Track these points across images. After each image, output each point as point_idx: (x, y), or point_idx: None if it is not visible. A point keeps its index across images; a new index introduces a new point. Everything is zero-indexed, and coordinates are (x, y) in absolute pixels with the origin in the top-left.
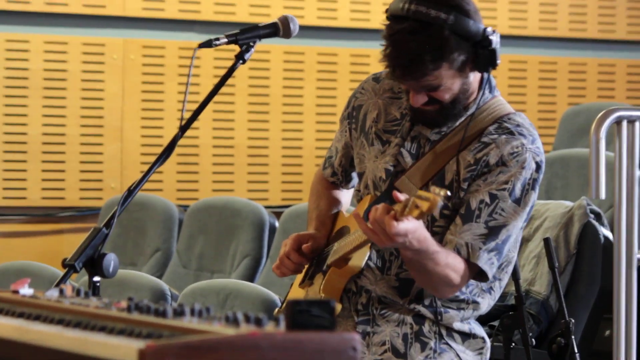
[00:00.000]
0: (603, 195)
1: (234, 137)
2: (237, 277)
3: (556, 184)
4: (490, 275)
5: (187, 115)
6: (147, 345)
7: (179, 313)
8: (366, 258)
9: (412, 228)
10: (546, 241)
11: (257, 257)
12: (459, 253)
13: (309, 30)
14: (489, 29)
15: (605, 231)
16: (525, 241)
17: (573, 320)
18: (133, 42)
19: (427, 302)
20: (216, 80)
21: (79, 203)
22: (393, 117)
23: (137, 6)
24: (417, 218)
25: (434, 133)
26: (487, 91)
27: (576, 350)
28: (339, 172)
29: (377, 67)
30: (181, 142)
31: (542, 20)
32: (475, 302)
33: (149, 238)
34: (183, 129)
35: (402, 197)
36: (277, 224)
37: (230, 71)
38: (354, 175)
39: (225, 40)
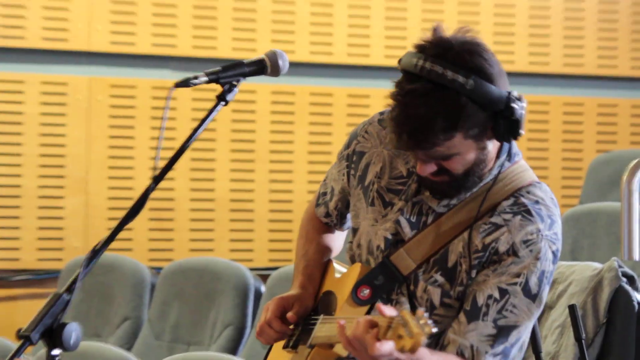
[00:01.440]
0: (637, 255)
1: (215, 189)
2: (217, 350)
3: (583, 243)
4: None
5: (160, 164)
6: None
7: None
8: None
9: None
10: (572, 308)
11: (240, 327)
12: (462, 355)
13: (300, 67)
14: (514, 94)
15: (639, 297)
16: (547, 309)
17: None
18: (99, 81)
19: None
20: (194, 124)
21: (36, 265)
22: (399, 174)
23: (104, 40)
24: (396, 347)
25: (441, 206)
26: (505, 160)
27: None
28: (333, 214)
29: (377, 108)
30: (154, 194)
31: (567, 56)
32: None
33: (117, 305)
34: (156, 179)
35: (387, 311)
36: (263, 288)
37: (211, 114)
38: (349, 217)
39: (205, 78)
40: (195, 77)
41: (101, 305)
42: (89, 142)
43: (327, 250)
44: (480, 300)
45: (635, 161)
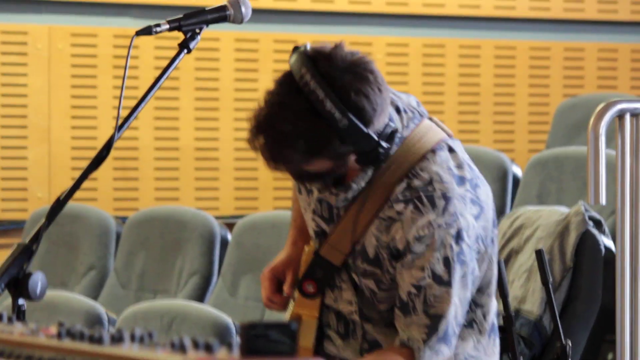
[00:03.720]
0: (604, 200)
1: (179, 138)
2: (184, 298)
3: (550, 188)
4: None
5: (124, 113)
6: None
7: (117, 339)
8: (314, 336)
9: None
10: (538, 253)
11: (206, 275)
12: (405, 346)
13: (264, 14)
14: (384, 136)
15: (606, 241)
16: (514, 253)
17: (570, 343)
18: (60, 30)
19: None
20: (157, 72)
21: (0, 215)
22: None
23: None
24: None
25: (340, 200)
26: (394, 144)
27: None
28: None
29: None
30: (118, 144)
31: (533, 0)
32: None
33: (82, 254)
34: (120, 128)
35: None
36: (229, 236)
37: (174, 62)
38: None
39: (167, 26)
40: (157, 25)
41: (67, 255)
42: (50, 91)
43: None
44: (404, 296)
45: (601, 105)
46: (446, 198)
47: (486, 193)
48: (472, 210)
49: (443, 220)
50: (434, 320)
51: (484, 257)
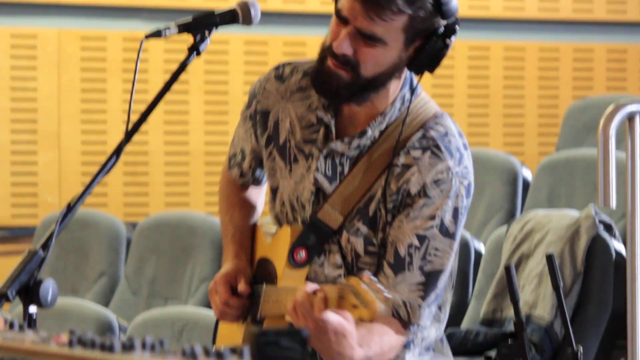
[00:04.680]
0: (614, 203)
1: (189, 142)
2: (195, 304)
3: (560, 191)
4: (428, 324)
5: (133, 117)
6: None
7: (128, 347)
8: None
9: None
10: (549, 258)
11: None
12: (398, 316)
13: (273, 17)
14: (457, 27)
15: (617, 245)
16: (525, 258)
17: (581, 348)
18: (69, 33)
19: None
20: (167, 76)
21: (11, 222)
22: (309, 122)
23: None
24: (352, 316)
25: (352, 149)
26: (407, 93)
27: None
28: (248, 174)
29: None
30: (128, 148)
31: (542, 1)
32: (423, 339)
33: (93, 261)
34: (129, 133)
35: (326, 288)
36: None
37: (183, 65)
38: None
39: (176, 29)
40: (167, 28)
41: (77, 261)
42: (60, 95)
43: (251, 210)
44: (402, 250)
45: (611, 107)
46: (460, 151)
47: None
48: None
49: (459, 169)
50: (431, 277)
51: None
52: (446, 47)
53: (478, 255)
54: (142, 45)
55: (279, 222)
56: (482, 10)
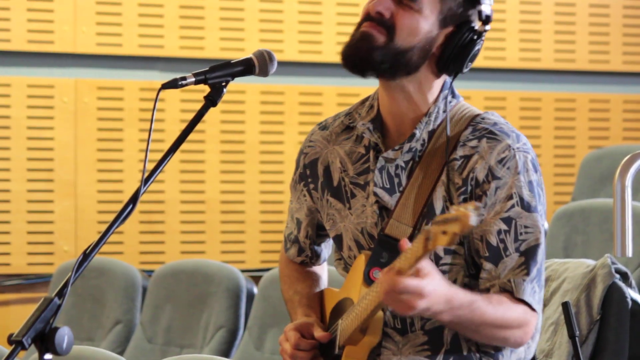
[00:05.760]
0: (630, 252)
1: (205, 191)
2: (210, 353)
3: (576, 240)
4: (535, 307)
5: (150, 166)
6: None
7: None
8: (382, 326)
9: (429, 287)
10: (565, 306)
11: (233, 329)
12: (505, 291)
13: (289, 67)
14: (485, 31)
15: (633, 294)
16: None
17: None
18: (86, 83)
19: (465, 350)
20: (183, 125)
21: (27, 270)
22: (359, 155)
23: (91, 41)
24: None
25: (404, 153)
26: (449, 96)
27: None
28: (306, 247)
29: None
30: (144, 197)
31: (558, 52)
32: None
33: (108, 309)
34: (146, 182)
35: (408, 243)
36: (255, 290)
37: (199, 115)
38: (324, 247)
39: (193, 79)
40: (183, 78)
41: (93, 309)
42: (76, 145)
43: (316, 279)
44: (493, 240)
45: (627, 157)
46: (516, 132)
47: None
48: None
49: (519, 145)
50: (529, 253)
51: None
52: (474, 44)
53: None
54: (158, 95)
55: (348, 271)
56: (498, 61)
